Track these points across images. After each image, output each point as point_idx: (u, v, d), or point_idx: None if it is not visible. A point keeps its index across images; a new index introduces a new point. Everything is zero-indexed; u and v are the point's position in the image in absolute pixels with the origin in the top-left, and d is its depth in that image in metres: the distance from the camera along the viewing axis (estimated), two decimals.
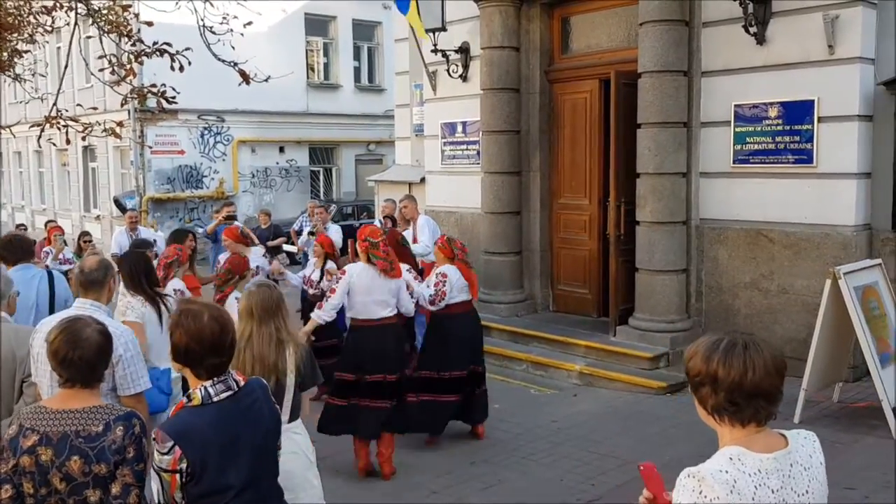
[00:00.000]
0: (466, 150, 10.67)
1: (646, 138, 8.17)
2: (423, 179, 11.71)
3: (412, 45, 11.61)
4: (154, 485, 2.51)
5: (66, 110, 6.04)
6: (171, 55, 5.47)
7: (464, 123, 10.64)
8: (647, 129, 8.18)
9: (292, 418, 3.78)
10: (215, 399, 2.57)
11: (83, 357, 2.64)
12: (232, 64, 5.79)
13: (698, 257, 8.33)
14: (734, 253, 8.09)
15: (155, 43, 5.43)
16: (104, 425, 2.61)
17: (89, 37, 5.52)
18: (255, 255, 7.56)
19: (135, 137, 18.57)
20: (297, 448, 3.73)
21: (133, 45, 5.56)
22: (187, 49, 5.40)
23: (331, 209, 15.93)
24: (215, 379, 2.60)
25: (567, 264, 9.82)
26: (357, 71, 23.63)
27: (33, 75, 7.02)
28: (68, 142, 6.06)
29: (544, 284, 10.02)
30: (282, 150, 22.24)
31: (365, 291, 5.65)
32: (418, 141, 12.27)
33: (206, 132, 20.69)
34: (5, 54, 5.93)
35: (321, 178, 23.43)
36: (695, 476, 1.88)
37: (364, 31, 23.49)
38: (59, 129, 5.84)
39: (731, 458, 1.90)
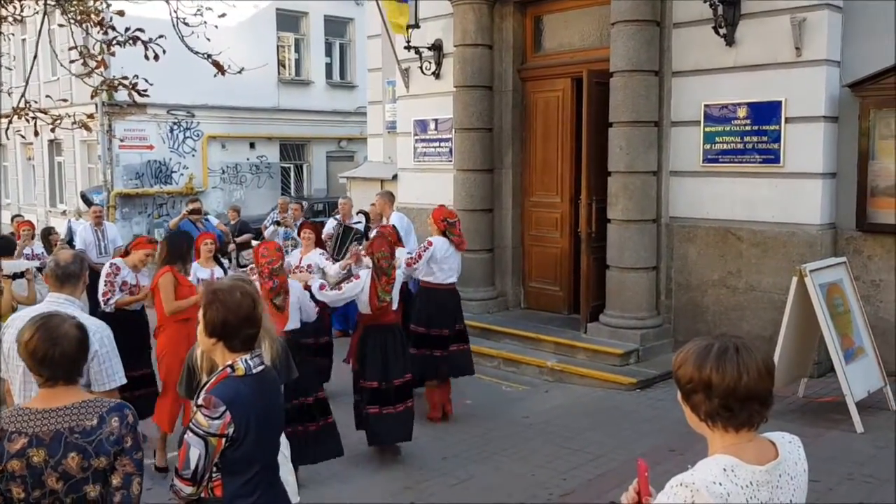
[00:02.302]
0: (439, 147, 10.68)
1: (617, 137, 8.26)
2: (395, 176, 11.70)
3: (385, 42, 11.59)
4: (195, 451, 2.56)
5: (35, 101, 5.94)
6: (145, 43, 5.40)
7: (436, 120, 10.65)
8: (618, 127, 8.27)
9: None
10: (254, 371, 2.70)
11: (64, 353, 2.59)
12: (206, 56, 5.74)
13: (668, 255, 8.44)
14: (703, 251, 8.21)
15: (127, 29, 5.36)
16: (98, 418, 2.58)
17: (60, 25, 5.41)
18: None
19: (103, 131, 18.30)
20: None
21: (105, 33, 5.48)
22: (161, 37, 5.34)
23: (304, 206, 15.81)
24: (252, 353, 2.73)
25: (538, 262, 9.89)
26: (329, 67, 23.50)
27: None
28: (36, 134, 5.95)
29: (516, 282, 10.08)
30: (252, 146, 22.05)
31: (442, 260, 6.94)
32: (391, 138, 12.26)
33: (175, 127, 20.43)
34: None
35: (292, 174, 23.27)
36: (688, 486, 1.84)
37: (336, 27, 23.37)
38: (27, 120, 5.75)
39: (724, 470, 1.87)
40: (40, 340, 2.59)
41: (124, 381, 3.83)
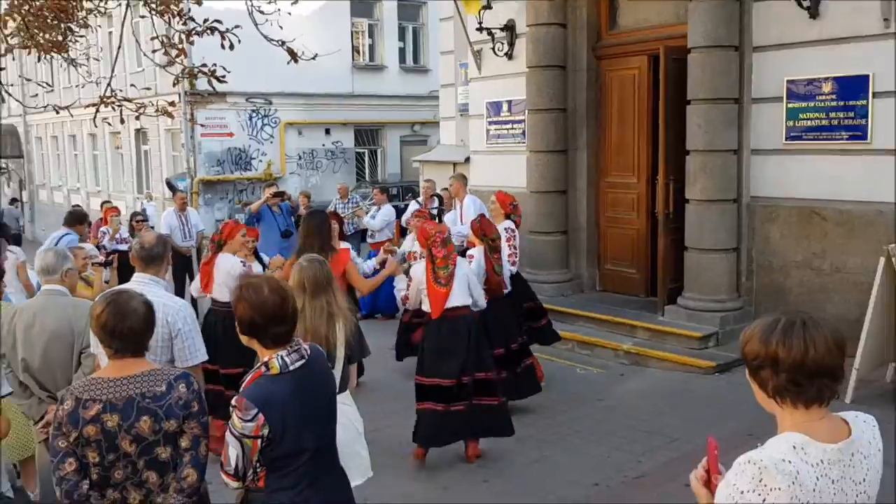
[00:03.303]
0: (511, 129, 10.63)
1: (696, 115, 8.05)
2: (467, 159, 11.70)
3: (457, 24, 11.58)
4: (234, 451, 2.60)
5: (122, 90, 6.18)
6: (222, 33, 5.55)
7: (509, 102, 10.60)
8: (697, 105, 8.06)
9: (340, 390, 3.86)
10: (291, 368, 2.69)
11: (131, 328, 2.74)
12: (280, 43, 5.86)
13: (749, 236, 8.20)
14: (786, 231, 7.95)
15: (206, 20, 5.52)
16: (167, 385, 2.73)
17: (142, 16, 5.60)
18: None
19: (185, 119, 18.89)
20: (345, 419, 3.81)
21: (184, 24, 5.66)
22: (237, 27, 5.48)
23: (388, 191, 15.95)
24: (289, 348, 2.72)
25: (614, 243, 9.75)
26: (402, 52, 23.63)
27: (88, 59, 7.19)
28: (122, 122, 6.22)
29: (591, 264, 9.97)
30: (328, 131, 22.38)
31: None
32: (463, 121, 12.26)
33: (253, 115, 20.90)
34: (59, 36, 6.09)
35: (366, 159, 23.54)
36: (756, 464, 1.81)
37: (409, 11, 23.44)
38: (113, 108, 6.01)
39: (794, 448, 1.83)
40: (110, 315, 2.73)
41: (206, 357, 3.97)
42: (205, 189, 20.16)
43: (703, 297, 8.12)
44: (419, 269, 5.76)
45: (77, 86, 20.01)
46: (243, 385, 2.69)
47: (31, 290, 7.58)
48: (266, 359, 2.70)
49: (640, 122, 9.34)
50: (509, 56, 10.43)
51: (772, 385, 1.91)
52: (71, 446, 2.67)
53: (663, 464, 5.50)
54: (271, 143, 21.36)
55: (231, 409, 2.61)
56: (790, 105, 7.82)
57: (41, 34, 5.91)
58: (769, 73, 7.95)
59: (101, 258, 6.31)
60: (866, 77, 7.25)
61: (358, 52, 22.90)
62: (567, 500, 5.04)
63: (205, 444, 2.74)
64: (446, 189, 9.05)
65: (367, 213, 11.79)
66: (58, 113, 6.42)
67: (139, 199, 20.74)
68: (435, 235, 5.53)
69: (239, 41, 5.47)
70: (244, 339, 2.76)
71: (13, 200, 24.26)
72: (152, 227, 11.99)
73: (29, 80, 6.42)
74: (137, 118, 6.12)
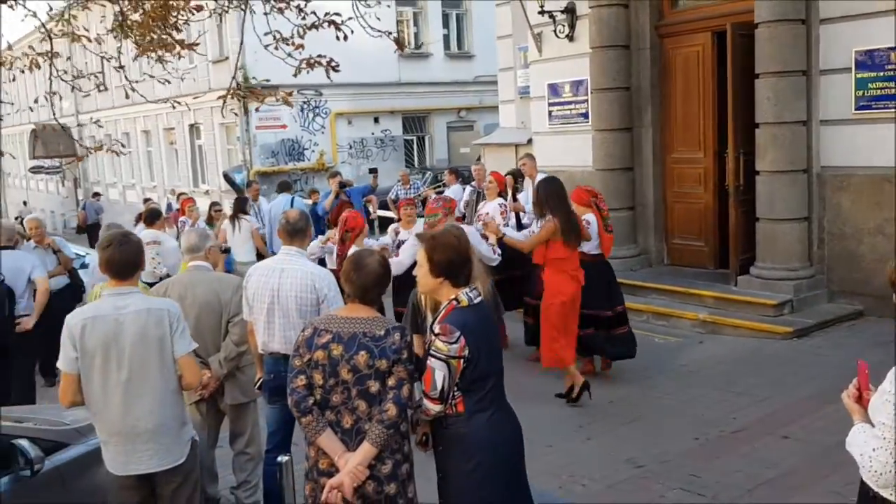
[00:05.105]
0: (574, 108, 10.87)
1: (764, 88, 8.24)
2: (529, 141, 11.97)
3: (515, 9, 11.84)
4: (440, 373, 3.03)
5: (247, 79, 6.61)
6: (338, 26, 5.91)
7: (571, 83, 10.84)
8: (765, 78, 8.24)
9: None
10: (475, 302, 3.15)
11: (361, 279, 3.20)
12: (387, 34, 6.21)
13: (820, 205, 8.38)
14: (857, 199, 8.12)
15: (326, 14, 5.88)
16: (385, 330, 3.15)
17: (265, 13, 5.96)
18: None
19: (242, 113, 19.42)
20: None
21: (303, 18, 6.02)
22: (351, 18, 5.83)
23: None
24: (469, 287, 3.17)
25: (681, 218, 9.97)
26: (446, 38, 23.90)
27: (178, 58, 7.57)
28: (246, 111, 6.70)
29: (658, 238, 10.20)
30: (376, 120, 22.81)
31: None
32: (523, 103, 12.53)
33: (305, 106, 21.36)
34: (173, 31, 6.53)
35: (415, 146, 23.92)
36: None
37: None
38: (238, 99, 6.48)
39: None
40: (349, 264, 3.25)
41: None
42: (261, 180, 20.64)
43: (775, 265, 8.33)
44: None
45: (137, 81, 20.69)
46: (438, 318, 3.13)
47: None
48: (454, 296, 3.14)
49: (705, 98, 9.52)
50: (570, 38, 10.66)
51: None
52: (303, 365, 3.16)
53: (758, 419, 5.76)
54: (322, 133, 21.84)
55: (434, 336, 3.05)
56: (859, 75, 7.96)
57: (156, 32, 6.34)
58: (837, 45, 8.09)
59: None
60: None
61: (404, 41, 23.20)
62: (671, 453, 5.33)
63: (407, 387, 3.12)
64: (524, 164, 9.21)
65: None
66: (174, 108, 6.83)
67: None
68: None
69: (352, 32, 5.82)
70: (435, 282, 3.17)
71: (95, 194, 25.33)
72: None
73: (133, 86, 6.81)
74: (257, 109, 6.65)
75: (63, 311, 3.84)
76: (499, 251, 6.74)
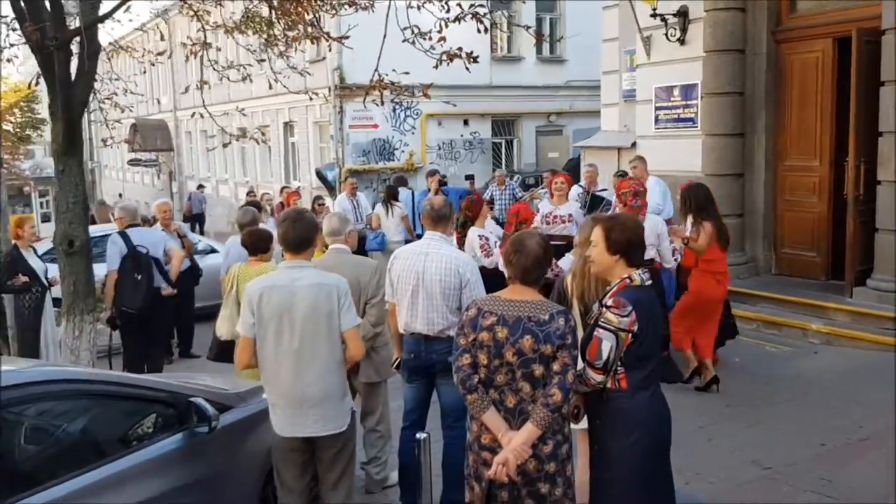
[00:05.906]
0: (683, 113, 10.77)
1: (890, 96, 8.02)
2: (633, 144, 11.91)
3: (623, 11, 11.80)
4: (608, 343, 3.15)
5: (389, 73, 6.85)
6: (480, 18, 6.07)
7: (680, 87, 10.74)
8: (891, 86, 8.03)
9: None
10: (647, 283, 3.29)
11: (521, 261, 3.28)
12: (526, 27, 6.34)
13: None
14: None
15: (470, 6, 6.05)
16: (549, 315, 3.21)
17: (410, 7, 6.16)
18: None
19: (335, 112, 19.87)
20: None
21: (447, 11, 6.20)
22: (486, 12, 5.98)
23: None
24: (641, 269, 3.29)
25: (793, 227, 9.76)
26: (539, 43, 23.88)
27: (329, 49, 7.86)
28: (382, 103, 6.99)
29: (766, 247, 10.02)
30: (466, 122, 22.95)
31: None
32: (627, 106, 12.47)
33: (397, 107, 21.65)
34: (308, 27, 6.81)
35: (503, 149, 23.99)
36: None
37: (546, 3, 23.69)
38: (378, 92, 6.72)
39: None
40: (510, 246, 3.34)
41: None
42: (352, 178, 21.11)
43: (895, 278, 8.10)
44: None
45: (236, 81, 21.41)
46: (610, 294, 3.25)
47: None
48: (627, 275, 3.26)
49: (823, 105, 9.32)
50: (682, 41, 10.56)
51: None
52: (468, 345, 3.28)
53: (886, 427, 5.62)
54: (413, 134, 22.11)
55: (605, 309, 3.18)
56: None
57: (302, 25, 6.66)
58: None
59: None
60: None
61: (496, 44, 23.34)
62: (797, 456, 5.27)
63: (572, 372, 3.19)
64: (635, 167, 9.24)
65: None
66: (311, 100, 7.07)
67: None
68: None
69: (488, 26, 5.96)
70: (611, 259, 3.29)
71: (199, 186, 26.58)
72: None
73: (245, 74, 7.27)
74: (392, 100, 6.98)
75: (183, 294, 4.07)
76: (679, 256, 6.96)
